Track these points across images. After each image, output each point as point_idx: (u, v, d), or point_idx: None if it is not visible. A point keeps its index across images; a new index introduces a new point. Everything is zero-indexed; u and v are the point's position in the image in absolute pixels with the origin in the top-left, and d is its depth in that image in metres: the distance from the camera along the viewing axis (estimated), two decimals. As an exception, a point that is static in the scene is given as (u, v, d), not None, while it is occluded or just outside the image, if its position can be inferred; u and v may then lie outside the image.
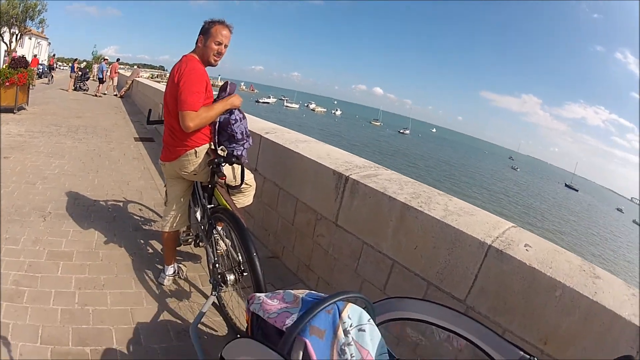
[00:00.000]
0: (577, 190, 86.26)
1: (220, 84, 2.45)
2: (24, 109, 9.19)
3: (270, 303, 1.20)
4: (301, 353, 0.96)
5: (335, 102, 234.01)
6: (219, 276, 2.18)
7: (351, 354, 0.97)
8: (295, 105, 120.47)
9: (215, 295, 2.18)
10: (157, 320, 2.27)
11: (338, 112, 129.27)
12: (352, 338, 1.00)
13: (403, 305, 1.23)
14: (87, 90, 17.50)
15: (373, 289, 2.23)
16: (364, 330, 1.04)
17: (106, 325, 2.13)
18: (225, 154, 2.29)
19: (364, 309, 1.09)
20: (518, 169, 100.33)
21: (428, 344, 1.85)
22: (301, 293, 1.17)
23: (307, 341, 0.96)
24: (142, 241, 3.25)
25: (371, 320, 1.08)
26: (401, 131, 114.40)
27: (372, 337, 1.06)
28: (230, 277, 2.12)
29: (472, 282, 1.76)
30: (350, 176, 2.41)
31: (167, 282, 2.64)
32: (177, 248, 2.77)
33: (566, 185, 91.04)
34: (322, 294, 1.14)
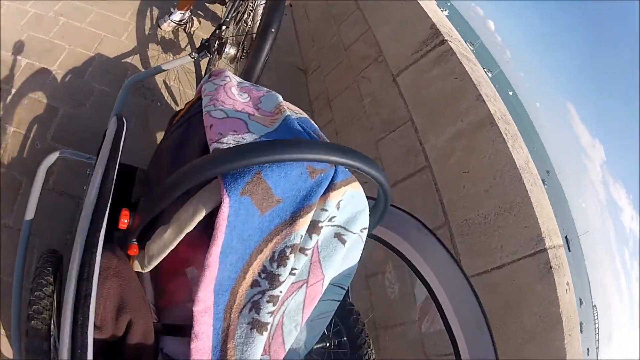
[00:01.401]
0: (569, 250, 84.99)
1: None
2: None
3: (232, 95, 0.66)
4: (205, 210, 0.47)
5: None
6: (217, 41, 1.64)
7: (292, 269, 0.46)
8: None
9: (193, 58, 1.65)
10: (121, 60, 1.84)
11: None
12: (317, 245, 0.48)
13: (420, 239, 0.67)
14: None
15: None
16: (343, 242, 0.52)
17: (64, 42, 1.75)
18: None
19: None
20: (546, 186, 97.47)
21: (381, 296, 1.47)
22: (291, 111, 0.63)
23: (226, 196, 0.45)
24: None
25: (366, 230, 0.56)
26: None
27: (345, 258, 0.55)
28: (231, 51, 1.60)
29: (492, 268, 1.25)
30: (448, 41, 1.74)
31: (167, 26, 2.12)
32: (206, 3, 2.24)
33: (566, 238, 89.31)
34: (323, 135, 0.61)
